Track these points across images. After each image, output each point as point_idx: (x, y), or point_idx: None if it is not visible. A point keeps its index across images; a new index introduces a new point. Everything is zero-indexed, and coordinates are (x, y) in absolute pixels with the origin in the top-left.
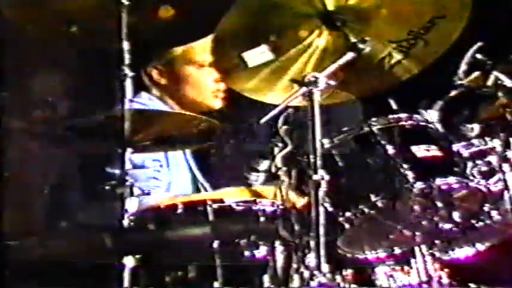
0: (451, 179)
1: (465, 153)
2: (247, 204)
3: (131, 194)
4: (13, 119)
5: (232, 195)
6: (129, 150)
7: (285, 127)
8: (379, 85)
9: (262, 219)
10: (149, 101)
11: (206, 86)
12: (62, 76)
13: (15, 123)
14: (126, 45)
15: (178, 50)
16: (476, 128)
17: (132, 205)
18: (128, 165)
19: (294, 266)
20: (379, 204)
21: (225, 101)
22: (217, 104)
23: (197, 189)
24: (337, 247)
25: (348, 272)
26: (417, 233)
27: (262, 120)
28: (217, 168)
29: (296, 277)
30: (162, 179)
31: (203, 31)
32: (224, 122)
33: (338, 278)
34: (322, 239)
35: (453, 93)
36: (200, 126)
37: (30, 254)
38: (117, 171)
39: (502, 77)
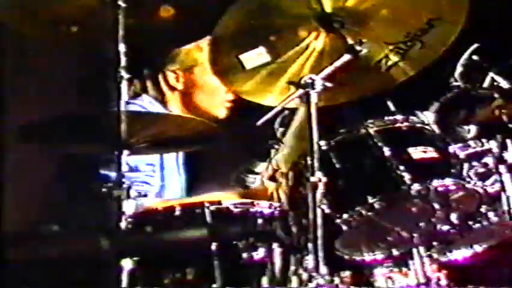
0: (448, 181)
1: (462, 154)
2: (245, 206)
3: (128, 196)
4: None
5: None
6: (125, 152)
7: (281, 129)
8: (376, 87)
9: (259, 221)
10: (149, 105)
11: (219, 96)
12: (58, 78)
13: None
14: (122, 47)
15: (202, 56)
16: (472, 129)
17: (129, 207)
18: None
19: (292, 267)
20: (377, 206)
21: (231, 111)
22: (222, 113)
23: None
24: (335, 249)
25: (346, 274)
26: (415, 235)
27: (259, 122)
28: (212, 170)
29: (294, 279)
30: (155, 183)
31: (201, 32)
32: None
33: (336, 279)
34: (320, 241)
35: (449, 94)
36: (196, 128)
37: (28, 255)
38: (113, 174)
39: (498, 78)
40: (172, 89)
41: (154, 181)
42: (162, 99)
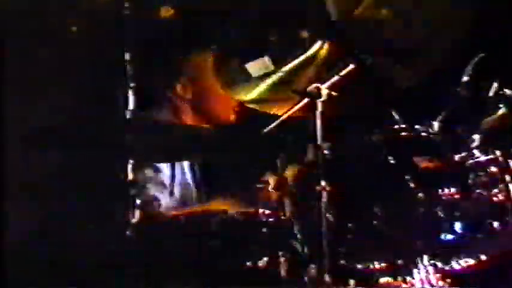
0: (453, 190)
1: (467, 163)
2: (250, 214)
3: (134, 204)
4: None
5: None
6: (131, 161)
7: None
8: (381, 96)
9: (264, 229)
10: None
11: (227, 101)
12: (64, 85)
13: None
14: (128, 56)
15: (208, 65)
16: (477, 138)
17: (134, 215)
18: (131, 177)
19: (297, 276)
20: (381, 214)
21: (239, 115)
22: (232, 117)
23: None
24: (339, 257)
25: (350, 283)
26: (419, 244)
27: (265, 130)
28: (221, 179)
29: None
30: (165, 192)
31: (206, 41)
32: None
33: None
34: (324, 249)
35: (455, 103)
36: (202, 137)
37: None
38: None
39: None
40: (182, 99)
41: (165, 190)
42: (174, 110)
